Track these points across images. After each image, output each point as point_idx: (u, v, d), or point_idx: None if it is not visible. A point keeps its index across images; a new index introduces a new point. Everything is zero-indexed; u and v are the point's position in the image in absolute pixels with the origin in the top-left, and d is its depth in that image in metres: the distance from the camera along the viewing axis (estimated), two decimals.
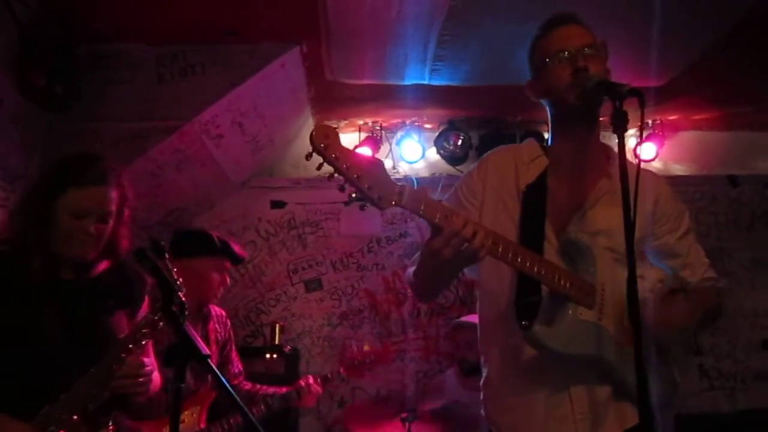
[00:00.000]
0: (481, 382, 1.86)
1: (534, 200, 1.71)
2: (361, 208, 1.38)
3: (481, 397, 1.85)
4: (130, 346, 1.84)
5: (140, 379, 1.87)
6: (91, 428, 1.82)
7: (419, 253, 1.70)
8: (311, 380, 3.09)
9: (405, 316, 4.76)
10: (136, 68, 3.46)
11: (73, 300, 1.91)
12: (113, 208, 1.95)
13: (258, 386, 3.08)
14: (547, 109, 1.78)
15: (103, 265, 2.01)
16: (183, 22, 3.33)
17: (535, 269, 1.51)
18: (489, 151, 1.90)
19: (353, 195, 1.35)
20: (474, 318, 4.02)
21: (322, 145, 1.31)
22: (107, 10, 3.18)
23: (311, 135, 1.31)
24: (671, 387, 1.69)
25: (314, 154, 1.32)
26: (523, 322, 1.58)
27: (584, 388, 1.64)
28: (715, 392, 4.71)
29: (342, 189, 1.36)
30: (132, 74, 3.44)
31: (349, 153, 1.34)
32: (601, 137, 1.80)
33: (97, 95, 3.36)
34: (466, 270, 1.77)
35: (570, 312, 1.57)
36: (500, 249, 1.47)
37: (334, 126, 4.81)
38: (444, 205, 1.49)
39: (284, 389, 3.06)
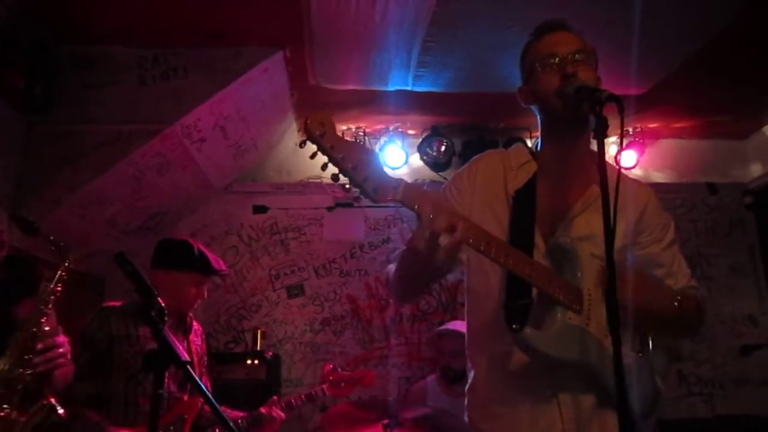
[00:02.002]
0: (467, 387, 1.84)
1: (523, 205, 1.70)
2: (356, 200, 1.35)
3: (466, 403, 1.83)
4: (42, 319, 1.86)
5: (60, 350, 1.88)
6: (25, 408, 1.82)
7: (399, 250, 1.67)
8: (274, 405, 3.04)
9: (387, 321, 4.76)
10: (117, 71, 3.43)
11: None
12: None
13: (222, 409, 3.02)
14: (537, 115, 1.79)
15: None
16: (166, 24, 3.31)
17: (526, 271, 1.50)
18: (478, 155, 1.89)
19: (348, 186, 1.30)
20: (457, 325, 4.04)
21: (317, 133, 1.26)
22: (89, 11, 3.15)
23: (306, 122, 1.27)
24: (654, 394, 1.68)
25: (308, 143, 1.28)
26: (514, 326, 1.56)
27: (571, 397, 1.62)
28: (693, 398, 4.76)
29: (336, 179, 1.31)
30: (113, 77, 3.42)
31: (346, 143, 1.30)
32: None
33: (77, 97, 3.33)
34: (448, 276, 1.74)
35: (559, 316, 1.56)
36: (493, 249, 1.45)
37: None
38: (440, 201, 1.45)
39: (241, 413, 2.96)
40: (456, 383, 3.73)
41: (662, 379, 1.71)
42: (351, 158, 1.29)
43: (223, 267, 3.03)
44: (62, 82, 3.26)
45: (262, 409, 2.99)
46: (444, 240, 1.35)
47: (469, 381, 1.84)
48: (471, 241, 1.43)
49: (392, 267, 1.73)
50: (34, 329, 1.84)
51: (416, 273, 1.56)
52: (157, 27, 3.33)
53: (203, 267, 2.87)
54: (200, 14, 3.24)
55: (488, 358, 1.76)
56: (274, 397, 3.10)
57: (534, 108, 1.77)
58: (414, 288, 1.75)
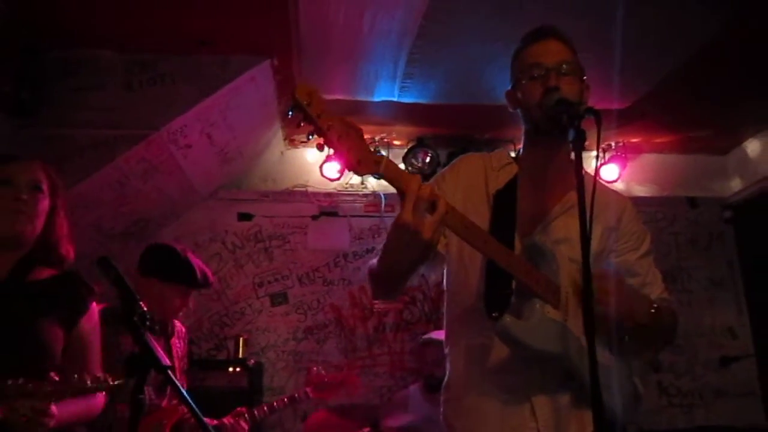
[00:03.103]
0: (443, 385, 1.85)
1: (503, 206, 1.73)
2: (340, 173, 1.36)
3: (441, 400, 1.84)
4: (52, 397, 1.70)
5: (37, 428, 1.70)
6: None
7: (383, 243, 1.61)
8: (239, 417, 3.01)
9: (370, 331, 4.77)
10: (105, 75, 3.43)
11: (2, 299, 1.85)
12: (43, 183, 1.95)
13: (189, 416, 3.00)
14: (521, 119, 1.82)
15: (45, 273, 1.97)
16: (154, 31, 3.32)
17: (505, 260, 1.52)
18: (460, 156, 1.92)
19: (327, 148, 1.32)
20: (441, 334, 4.04)
21: (305, 102, 1.28)
22: (78, 16, 3.16)
23: (294, 91, 1.28)
24: (634, 397, 1.68)
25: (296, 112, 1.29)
26: (493, 314, 1.56)
27: (547, 396, 1.63)
28: (673, 409, 4.80)
29: (321, 149, 1.33)
30: (101, 81, 3.42)
31: (332, 114, 1.31)
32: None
33: (64, 101, 3.32)
34: (424, 270, 1.69)
35: (538, 307, 1.57)
36: (471, 233, 1.46)
37: (303, 140, 4.85)
38: (419, 179, 1.42)
39: (215, 422, 2.92)
40: (438, 392, 3.73)
41: (642, 383, 1.73)
42: (336, 129, 1.30)
43: (210, 279, 3.00)
44: (49, 86, 3.26)
45: (226, 420, 2.96)
46: (428, 215, 1.36)
47: (446, 378, 1.83)
48: (451, 222, 1.43)
49: (374, 261, 1.69)
50: (42, 403, 1.66)
51: (402, 253, 1.49)
52: (145, 33, 3.34)
53: (188, 279, 2.85)
54: (188, 21, 3.26)
55: (465, 351, 1.76)
56: (241, 408, 3.06)
57: (519, 112, 1.81)
58: (397, 275, 1.65)
